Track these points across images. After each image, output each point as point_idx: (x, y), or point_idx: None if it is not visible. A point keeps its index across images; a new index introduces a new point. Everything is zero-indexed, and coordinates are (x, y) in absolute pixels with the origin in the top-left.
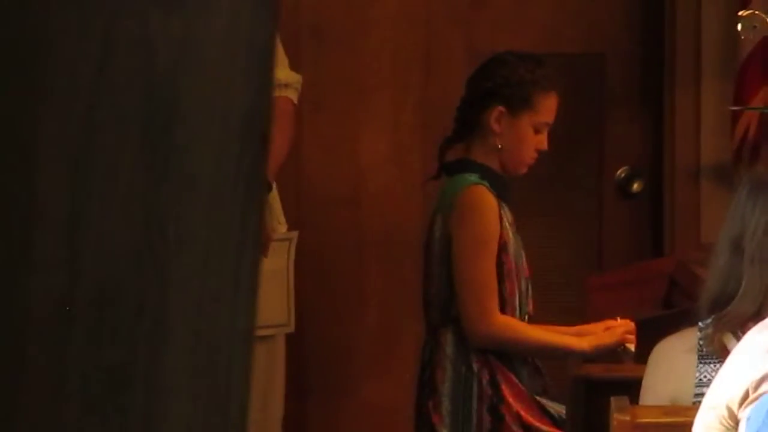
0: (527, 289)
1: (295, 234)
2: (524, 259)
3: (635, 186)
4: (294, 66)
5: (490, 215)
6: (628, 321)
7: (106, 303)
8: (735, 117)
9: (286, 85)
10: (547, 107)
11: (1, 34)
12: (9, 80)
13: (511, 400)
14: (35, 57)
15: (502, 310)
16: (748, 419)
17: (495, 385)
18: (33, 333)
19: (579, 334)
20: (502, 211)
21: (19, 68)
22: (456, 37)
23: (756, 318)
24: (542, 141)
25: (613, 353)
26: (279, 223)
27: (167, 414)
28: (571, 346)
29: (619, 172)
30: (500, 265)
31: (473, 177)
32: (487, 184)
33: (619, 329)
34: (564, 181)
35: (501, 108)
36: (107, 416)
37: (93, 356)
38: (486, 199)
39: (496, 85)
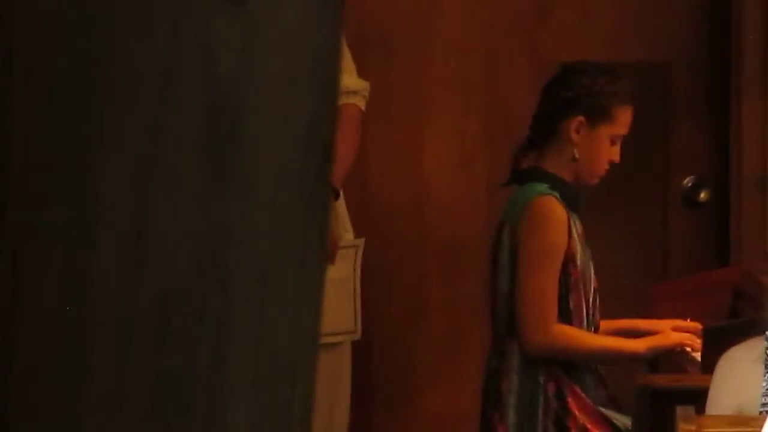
0: (595, 300)
1: (361, 241)
2: (593, 270)
3: (702, 195)
4: (361, 74)
5: (558, 227)
6: (696, 324)
7: (169, 308)
8: None
9: (354, 92)
10: (624, 120)
11: (68, 36)
12: (75, 83)
13: (577, 413)
14: (101, 60)
15: (569, 322)
16: None
17: (561, 397)
18: (96, 338)
19: (650, 328)
20: (571, 223)
21: (84, 72)
22: (520, 46)
23: None
24: (616, 153)
25: (673, 356)
26: (345, 231)
27: (229, 420)
28: (627, 349)
29: (685, 181)
30: (567, 276)
31: (543, 187)
32: (558, 195)
33: (676, 334)
34: (630, 189)
35: (581, 118)
36: (169, 422)
37: (155, 362)
38: (555, 210)
39: (577, 95)
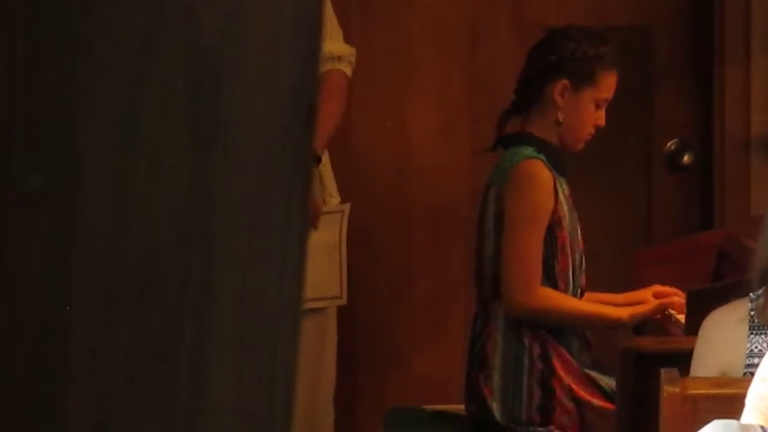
0: (581, 262)
1: (347, 206)
2: (579, 233)
3: (685, 159)
4: (347, 40)
5: (543, 189)
6: (677, 289)
7: (152, 271)
8: None
9: (340, 58)
10: (609, 84)
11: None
12: (55, 44)
13: (562, 373)
14: (81, 23)
15: (555, 284)
16: None
17: (546, 358)
18: (78, 303)
19: (629, 300)
20: (558, 186)
21: (64, 33)
22: (502, 10)
23: None
24: (601, 117)
25: (657, 320)
26: (331, 196)
27: (213, 386)
28: (609, 315)
29: (668, 144)
30: (554, 239)
31: (530, 150)
32: (544, 158)
33: (656, 301)
34: (613, 153)
35: (565, 81)
36: (153, 388)
37: (138, 327)
38: (541, 173)
39: (561, 59)
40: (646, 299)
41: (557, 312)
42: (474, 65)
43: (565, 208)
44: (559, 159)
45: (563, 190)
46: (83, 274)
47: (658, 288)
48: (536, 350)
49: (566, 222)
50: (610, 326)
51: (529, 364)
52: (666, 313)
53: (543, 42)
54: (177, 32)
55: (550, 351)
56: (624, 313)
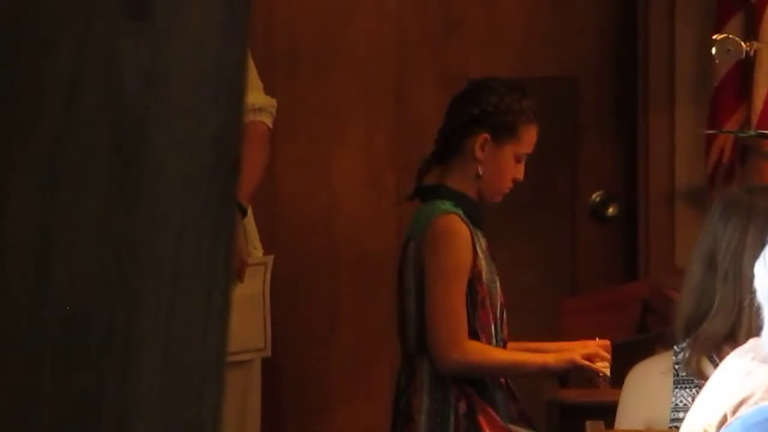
0: (502, 315)
1: (270, 258)
2: (498, 285)
3: (610, 210)
4: (268, 91)
5: (460, 245)
6: (605, 341)
7: (75, 327)
8: (709, 141)
9: (261, 109)
10: (530, 138)
11: None
12: None
13: (487, 430)
14: (3, 79)
15: (477, 338)
16: None
17: (471, 416)
18: (1, 359)
19: (558, 351)
20: (475, 239)
21: None
22: (428, 61)
23: (730, 338)
24: (520, 171)
25: (582, 371)
26: (254, 248)
27: None
28: (538, 363)
29: (593, 196)
30: (474, 294)
31: (447, 204)
32: (461, 212)
33: (585, 348)
34: (538, 204)
35: (486, 135)
36: None
37: (63, 381)
38: (457, 228)
39: (483, 113)
40: (572, 348)
41: (489, 364)
42: (399, 116)
43: (483, 262)
44: (476, 212)
45: (480, 244)
46: (7, 326)
47: (586, 342)
48: (462, 407)
49: (485, 276)
50: (539, 373)
51: (454, 421)
52: (590, 367)
53: (465, 94)
54: (100, 85)
55: (476, 408)
56: (551, 359)
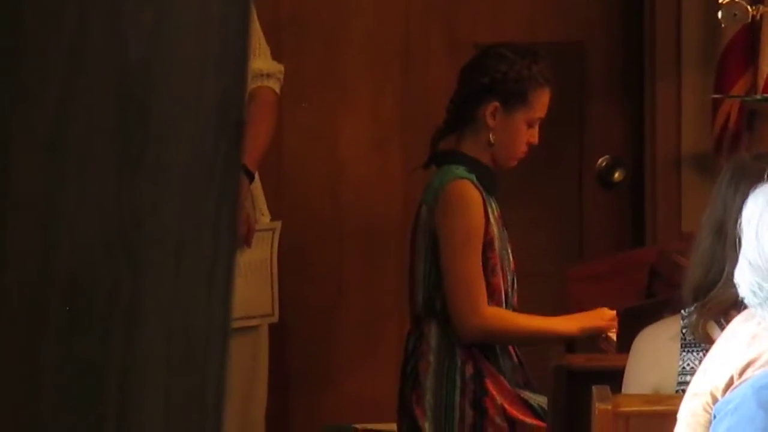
0: (513, 282)
1: (278, 224)
2: (510, 252)
3: (616, 175)
4: (275, 57)
5: (473, 210)
6: (612, 311)
7: (79, 293)
8: (715, 106)
9: (268, 75)
10: (542, 103)
11: None
12: None
13: (494, 393)
14: (8, 45)
15: (489, 305)
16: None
17: (479, 378)
18: (5, 324)
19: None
20: (488, 206)
21: None
22: (435, 29)
23: (738, 304)
24: (534, 135)
25: (594, 342)
26: (262, 214)
27: (142, 407)
28: (561, 330)
29: (600, 161)
30: (486, 260)
31: (461, 170)
32: (474, 178)
33: (607, 315)
34: (545, 170)
35: (496, 103)
36: (81, 409)
37: (66, 348)
38: (470, 194)
39: (492, 81)
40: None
41: (511, 331)
42: (406, 83)
43: (496, 228)
44: (489, 179)
45: (493, 211)
46: (11, 292)
47: (605, 311)
48: (469, 370)
49: (497, 242)
50: (561, 340)
51: (461, 384)
52: (605, 336)
53: (475, 63)
54: (104, 49)
55: (483, 371)
56: (575, 326)
